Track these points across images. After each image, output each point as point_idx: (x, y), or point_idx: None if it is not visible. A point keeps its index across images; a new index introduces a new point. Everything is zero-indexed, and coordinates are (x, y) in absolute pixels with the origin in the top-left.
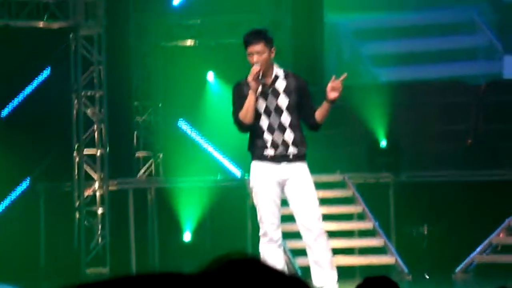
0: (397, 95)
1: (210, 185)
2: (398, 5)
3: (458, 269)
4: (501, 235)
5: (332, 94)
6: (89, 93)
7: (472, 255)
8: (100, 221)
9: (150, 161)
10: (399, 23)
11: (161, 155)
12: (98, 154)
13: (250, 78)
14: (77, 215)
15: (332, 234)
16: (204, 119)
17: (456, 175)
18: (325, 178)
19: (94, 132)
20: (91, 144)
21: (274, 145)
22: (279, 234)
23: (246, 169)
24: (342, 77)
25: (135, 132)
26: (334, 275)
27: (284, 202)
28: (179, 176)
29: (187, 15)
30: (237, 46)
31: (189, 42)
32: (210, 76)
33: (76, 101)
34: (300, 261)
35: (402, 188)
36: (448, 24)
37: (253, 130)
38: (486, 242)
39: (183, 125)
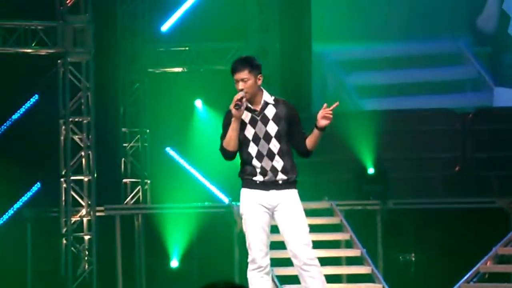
0: (385, 122)
1: (198, 212)
2: (385, 36)
3: None
4: (488, 264)
5: (323, 122)
6: (76, 119)
7: (459, 283)
8: (87, 247)
9: (138, 187)
10: (385, 53)
11: (148, 182)
12: (86, 180)
13: (231, 106)
14: (64, 241)
15: (319, 262)
16: (192, 146)
17: (444, 202)
18: (313, 205)
19: (82, 158)
20: (78, 170)
21: (263, 172)
22: (267, 261)
23: (234, 196)
24: (333, 106)
25: (123, 159)
26: None
27: (274, 229)
28: (166, 203)
29: (176, 41)
30: (225, 73)
31: (178, 69)
32: (198, 103)
33: (63, 127)
34: None
35: (390, 216)
36: (435, 55)
37: (243, 157)
38: (473, 270)
39: (171, 151)
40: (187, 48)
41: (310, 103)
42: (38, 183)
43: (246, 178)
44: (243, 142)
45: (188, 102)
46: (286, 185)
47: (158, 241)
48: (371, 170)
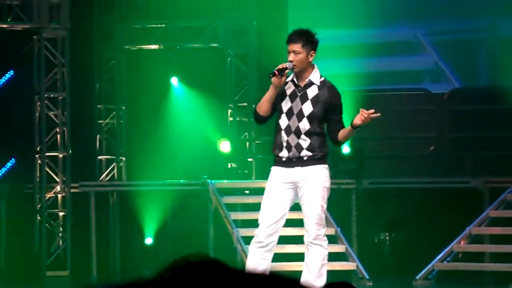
0: (360, 102)
1: (173, 189)
2: (338, 23)
3: (419, 276)
4: (462, 243)
5: (357, 121)
6: (52, 96)
7: (433, 262)
8: (62, 223)
9: (113, 164)
10: (337, 41)
11: (124, 159)
12: (61, 156)
13: (274, 71)
14: (39, 218)
15: (294, 240)
16: (168, 123)
17: (419, 182)
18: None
19: (57, 135)
20: (53, 146)
21: (288, 146)
22: (271, 240)
23: (209, 174)
24: (375, 115)
25: (98, 136)
26: (320, 283)
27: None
28: (141, 180)
29: (152, 19)
30: (201, 51)
31: (154, 46)
32: (174, 80)
33: (39, 104)
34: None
35: (365, 195)
36: (391, 44)
37: (276, 127)
38: (447, 249)
39: (146, 128)
40: (163, 26)
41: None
42: (12, 159)
43: (275, 155)
44: (278, 113)
45: (164, 79)
46: (312, 161)
47: (132, 218)
48: (346, 149)
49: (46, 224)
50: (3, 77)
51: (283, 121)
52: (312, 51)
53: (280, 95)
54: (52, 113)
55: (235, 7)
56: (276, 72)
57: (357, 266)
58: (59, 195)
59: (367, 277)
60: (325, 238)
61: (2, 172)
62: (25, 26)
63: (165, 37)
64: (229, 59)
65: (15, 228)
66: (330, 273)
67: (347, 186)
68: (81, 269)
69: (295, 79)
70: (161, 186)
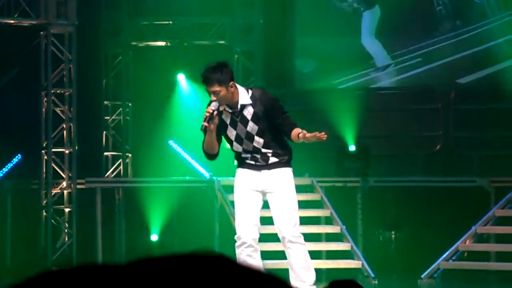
0: (367, 100)
1: (179, 186)
2: (344, 28)
3: (424, 274)
4: (467, 242)
5: (306, 137)
6: (58, 91)
7: (438, 261)
8: (67, 219)
9: (119, 160)
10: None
11: (130, 155)
12: (67, 152)
13: (203, 121)
14: (44, 213)
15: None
16: (174, 120)
17: (425, 181)
18: (294, 181)
19: (63, 131)
20: (59, 142)
21: (254, 159)
22: (254, 236)
23: (215, 171)
24: (323, 137)
25: (104, 132)
26: (309, 279)
27: (265, 204)
28: (147, 176)
29: (160, 15)
30: (208, 48)
31: (161, 43)
32: (181, 77)
33: (45, 99)
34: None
35: (370, 193)
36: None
37: (232, 151)
38: (452, 248)
39: (152, 125)
40: (171, 22)
41: (293, 79)
42: (19, 154)
43: (239, 161)
44: (228, 141)
45: (170, 76)
46: (278, 164)
47: (138, 215)
48: (352, 147)
49: (52, 220)
50: (11, 73)
51: (237, 147)
52: (231, 83)
53: (221, 126)
54: (58, 109)
55: (242, 4)
56: (206, 124)
57: (363, 264)
58: (65, 191)
59: (373, 275)
60: (300, 234)
61: (8, 167)
62: (32, 21)
63: (172, 33)
64: (236, 56)
65: (21, 224)
66: (335, 271)
67: (352, 184)
68: None
69: (227, 108)
70: (166, 183)
